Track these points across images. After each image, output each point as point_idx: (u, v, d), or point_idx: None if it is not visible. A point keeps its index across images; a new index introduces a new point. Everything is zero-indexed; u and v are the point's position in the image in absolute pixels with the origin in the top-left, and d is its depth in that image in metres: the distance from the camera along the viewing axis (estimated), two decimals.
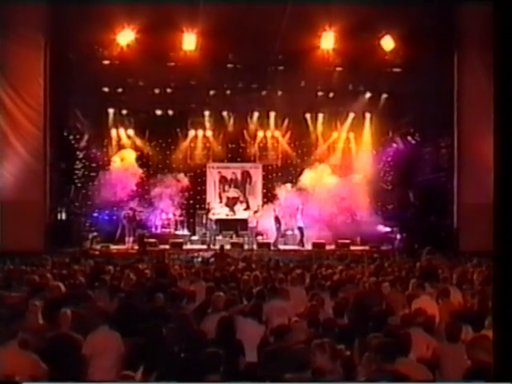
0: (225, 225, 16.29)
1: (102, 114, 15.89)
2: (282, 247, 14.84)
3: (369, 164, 16.38)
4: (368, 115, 16.58)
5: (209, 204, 16.13)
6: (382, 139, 16.44)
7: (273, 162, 17.31)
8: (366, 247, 14.75)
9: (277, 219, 14.93)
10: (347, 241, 14.84)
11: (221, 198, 17.31)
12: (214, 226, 15.34)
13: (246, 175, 17.28)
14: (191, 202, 16.93)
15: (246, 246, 14.67)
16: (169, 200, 16.05)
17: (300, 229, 14.83)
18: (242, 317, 4.79)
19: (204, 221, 15.88)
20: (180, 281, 6.83)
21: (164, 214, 16.05)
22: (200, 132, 16.71)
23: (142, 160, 16.26)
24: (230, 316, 4.47)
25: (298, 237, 14.80)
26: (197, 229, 16.21)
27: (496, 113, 2.50)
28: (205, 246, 14.50)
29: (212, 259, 10.47)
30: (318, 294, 5.67)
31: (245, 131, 16.91)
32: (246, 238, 15.30)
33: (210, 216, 15.50)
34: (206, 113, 16.52)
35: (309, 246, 14.55)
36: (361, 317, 4.63)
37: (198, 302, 5.62)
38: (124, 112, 16.23)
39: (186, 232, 16.09)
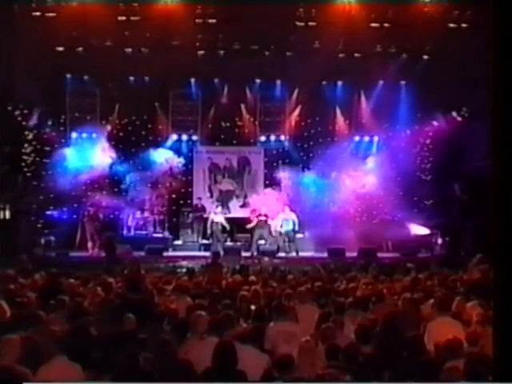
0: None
1: (58, 83, 15.78)
2: (289, 254, 14.82)
3: (401, 147, 16.35)
4: (402, 84, 16.63)
5: (209, 206, 16.00)
6: (419, 115, 16.28)
7: (278, 145, 17.25)
8: (398, 254, 14.82)
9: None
10: (373, 246, 14.79)
11: (211, 191, 17.27)
12: (220, 227, 15.31)
13: (244, 162, 17.27)
14: (174, 196, 16.88)
15: (244, 253, 14.66)
16: (145, 194, 16.15)
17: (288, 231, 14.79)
18: (240, 343, 4.75)
19: (190, 220, 15.93)
20: (159, 297, 6.91)
21: (138, 211, 16.13)
22: (185, 106, 16.77)
23: (109, 142, 16.24)
24: (227, 341, 4.45)
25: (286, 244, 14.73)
26: (181, 231, 16.28)
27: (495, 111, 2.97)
28: (193, 253, 14.42)
29: (201, 270, 10.49)
30: (336, 313, 5.71)
31: (242, 105, 16.91)
32: (244, 243, 15.35)
33: (215, 218, 15.41)
34: (193, 80, 16.54)
35: (324, 253, 14.50)
36: (391, 344, 4.63)
37: (182, 323, 5.57)
38: (86, 79, 16.20)
39: (166, 235, 16.09)
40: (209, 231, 15.38)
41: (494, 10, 2.82)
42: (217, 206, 16.24)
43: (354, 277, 8.90)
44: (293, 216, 15.11)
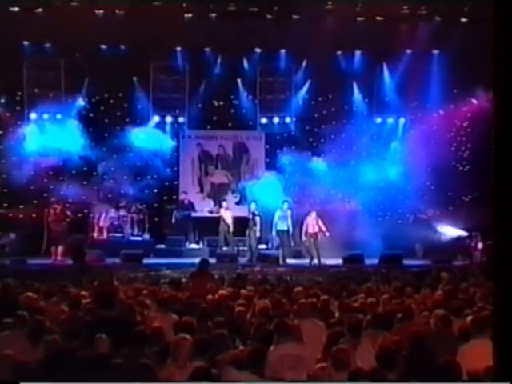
0: (206, 227, 16.20)
1: (13, 52, 15.48)
2: (297, 261, 14.99)
3: (433, 130, 16.14)
4: (435, 53, 16.47)
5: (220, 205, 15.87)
6: (456, 91, 16.24)
7: (283, 128, 17.09)
8: (428, 262, 14.76)
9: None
10: (398, 252, 14.71)
11: (201, 184, 17.24)
12: (228, 228, 15.26)
13: (241, 150, 17.27)
14: (155, 191, 16.68)
15: (241, 260, 14.79)
16: (120, 187, 16.12)
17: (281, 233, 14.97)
18: (236, 369, 4.83)
19: (174, 220, 15.83)
20: (138, 314, 6.90)
21: (113, 209, 16.17)
22: (168, 81, 16.56)
23: (77, 124, 16.06)
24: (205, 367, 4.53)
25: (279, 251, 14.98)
26: (165, 232, 16.35)
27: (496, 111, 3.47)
28: (179, 260, 14.40)
29: (189, 280, 10.46)
30: (350, 333, 5.76)
31: (239, 80, 16.83)
32: (242, 248, 15.44)
33: (225, 216, 15.27)
34: (178, 49, 16.38)
35: (338, 260, 14.50)
36: (421, 369, 4.61)
37: (166, 346, 5.58)
38: (47, 47, 15.95)
39: (147, 238, 16.14)
40: (221, 236, 15.36)
41: None
42: (224, 201, 15.97)
43: (375, 289, 8.84)
44: (288, 213, 15.13)
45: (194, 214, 16.43)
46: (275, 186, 15.74)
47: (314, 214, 14.95)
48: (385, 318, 6.43)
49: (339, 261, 14.52)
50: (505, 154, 3.57)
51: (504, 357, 3.25)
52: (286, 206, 15.29)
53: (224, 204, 15.86)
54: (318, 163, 16.32)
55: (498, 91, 3.57)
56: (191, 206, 16.46)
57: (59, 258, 14.56)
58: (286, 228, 15.14)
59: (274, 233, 15.17)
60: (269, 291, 8.46)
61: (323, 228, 14.88)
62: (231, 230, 15.58)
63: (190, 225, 16.34)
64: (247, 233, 15.33)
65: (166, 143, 16.66)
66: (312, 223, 14.93)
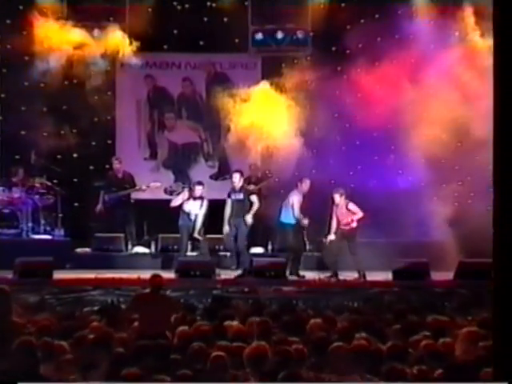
0: (160, 218, 15.88)
1: None
2: (313, 275, 14.68)
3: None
4: None
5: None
6: None
7: (291, 48, 16.52)
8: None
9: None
10: (485, 260, 12.76)
11: (152, 144, 16.99)
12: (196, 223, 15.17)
13: (221, 85, 16.10)
14: (74, 155, 16.05)
15: (220, 274, 14.36)
16: (11, 152, 15.89)
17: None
18: None
19: (100, 206, 15.67)
20: (43, 368, 7.14)
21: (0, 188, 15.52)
22: None
23: None
24: None
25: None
26: (92, 226, 16.13)
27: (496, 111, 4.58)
28: (113, 274, 14.03)
29: (132, 306, 10.56)
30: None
31: None
32: (221, 253, 15.70)
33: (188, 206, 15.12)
34: None
35: (386, 273, 14.14)
36: None
37: None
38: None
39: (60, 235, 15.80)
40: (184, 234, 15.06)
41: None
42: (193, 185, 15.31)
43: (449, 320, 9.00)
44: (295, 200, 14.48)
45: (136, 197, 15.68)
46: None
47: (339, 195, 14.48)
48: (466, 368, 6.86)
49: (386, 274, 13.71)
50: (505, 153, 4.49)
51: (504, 357, 4.38)
52: (305, 183, 14.44)
53: (198, 188, 14.94)
54: (347, 106, 15.47)
55: (498, 89, 4.55)
56: (131, 183, 15.46)
57: None
58: (293, 220, 14.46)
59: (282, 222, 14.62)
60: (267, 327, 8.32)
61: (359, 215, 14.34)
62: (199, 223, 14.86)
63: (130, 215, 15.59)
64: (229, 226, 14.77)
65: (94, 76, 15.72)
66: (341, 210, 14.39)
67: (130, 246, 15.50)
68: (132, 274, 13.51)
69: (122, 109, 16.51)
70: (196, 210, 14.91)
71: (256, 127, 15.32)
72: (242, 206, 14.90)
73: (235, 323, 8.72)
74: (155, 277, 10.26)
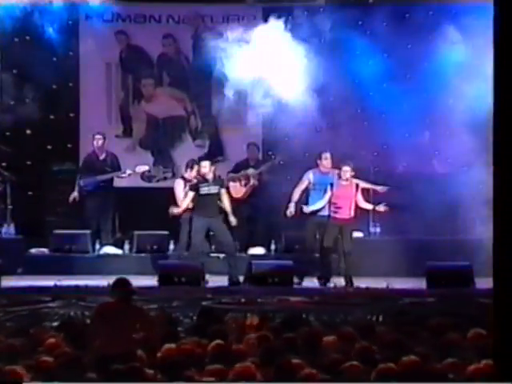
0: (134, 210, 15.95)
1: None
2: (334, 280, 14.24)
3: None
4: None
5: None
6: None
7: None
8: None
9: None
10: None
11: (126, 118, 16.52)
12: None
13: (211, 44, 15.02)
14: (28, 132, 15.84)
15: (209, 281, 14.26)
16: None
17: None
18: None
19: (74, 195, 15.28)
20: None
21: None
22: None
23: None
24: None
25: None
26: (50, 220, 16.29)
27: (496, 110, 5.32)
28: (77, 281, 13.71)
29: (95, 321, 10.21)
30: None
31: None
32: (213, 254, 15.40)
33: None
34: None
35: (420, 280, 14.01)
36: None
37: None
38: None
39: (11, 233, 15.69)
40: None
41: None
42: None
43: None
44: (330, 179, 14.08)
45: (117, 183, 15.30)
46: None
47: (348, 172, 13.99)
48: None
49: (422, 282, 13.57)
50: (505, 153, 5.12)
51: (504, 357, 5.02)
52: (327, 160, 13.87)
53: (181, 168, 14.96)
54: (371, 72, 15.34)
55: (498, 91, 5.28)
56: (115, 166, 15.13)
57: None
58: (322, 205, 14.01)
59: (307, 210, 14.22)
60: (269, 346, 8.68)
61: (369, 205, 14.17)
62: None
63: (109, 206, 15.23)
64: (196, 232, 14.22)
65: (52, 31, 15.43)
66: (342, 190, 14.11)
67: (97, 246, 14.87)
68: (100, 281, 12.90)
69: (88, 73, 15.79)
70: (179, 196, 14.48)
71: (255, 96, 14.84)
72: (214, 202, 14.35)
73: (229, 342, 8.68)
74: (121, 281, 9.51)
